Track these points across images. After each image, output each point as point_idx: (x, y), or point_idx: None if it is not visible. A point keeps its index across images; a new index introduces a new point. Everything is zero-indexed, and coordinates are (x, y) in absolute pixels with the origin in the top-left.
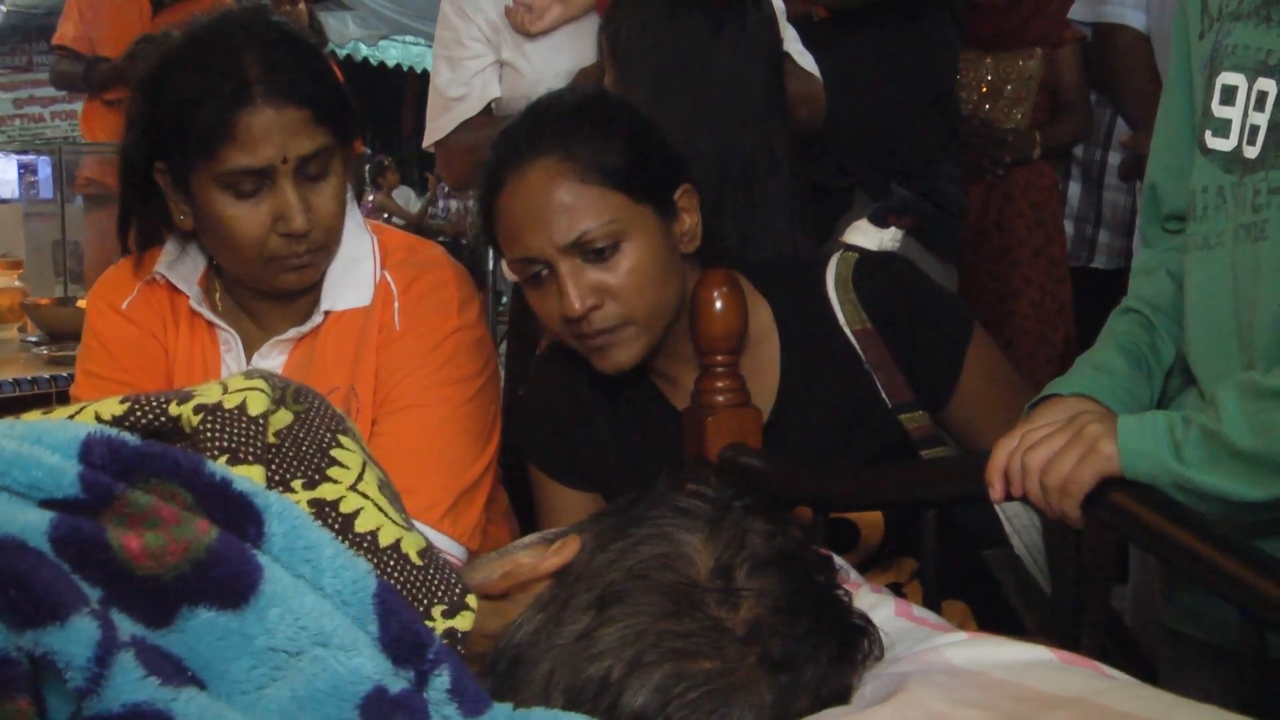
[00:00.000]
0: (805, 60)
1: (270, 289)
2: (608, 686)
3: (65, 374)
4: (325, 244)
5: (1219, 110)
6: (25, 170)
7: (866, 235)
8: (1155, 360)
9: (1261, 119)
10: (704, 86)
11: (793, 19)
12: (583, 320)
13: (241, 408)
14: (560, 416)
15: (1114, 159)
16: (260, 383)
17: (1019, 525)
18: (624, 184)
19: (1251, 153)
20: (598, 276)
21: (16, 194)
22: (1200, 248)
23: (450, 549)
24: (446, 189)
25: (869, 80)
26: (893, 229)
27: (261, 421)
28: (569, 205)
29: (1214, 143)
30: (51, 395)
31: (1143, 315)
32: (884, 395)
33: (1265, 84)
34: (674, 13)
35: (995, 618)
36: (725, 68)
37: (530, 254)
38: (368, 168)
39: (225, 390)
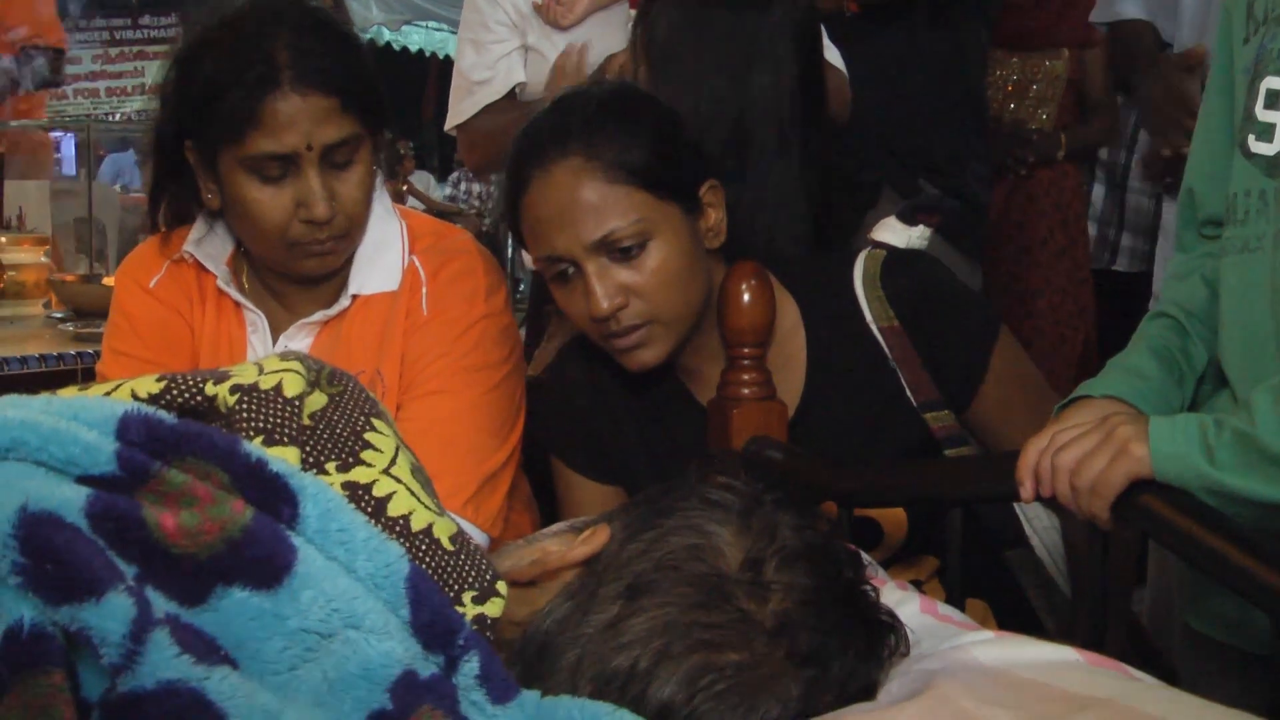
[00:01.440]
0: (831, 55)
1: (292, 274)
2: (635, 676)
3: (91, 350)
4: (348, 231)
5: (1263, 114)
6: None
7: (894, 233)
8: (1188, 365)
9: None
10: (737, 68)
11: (823, 14)
12: (610, 319)
13: (277, 389)
14: (583, 409)
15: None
16: (296, 364)
17: (1039, 526)
18: (650, 182)
19: None
20: (624, 275)
21: None
22: (1239, 251)
23: (473, 535)
24: (470, 173)
25: (899, 76)
26: (920, 227)
27: (297, 403)
28: (595, 205)
29: (1257, 147)
30: (77, 372)
31: (1175, 320)
32: (909, 393)
33: None
34: (707, 8)
35: (1015, 618)
36: (760, 50)
37: (557, 252)
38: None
39: (261, 371)
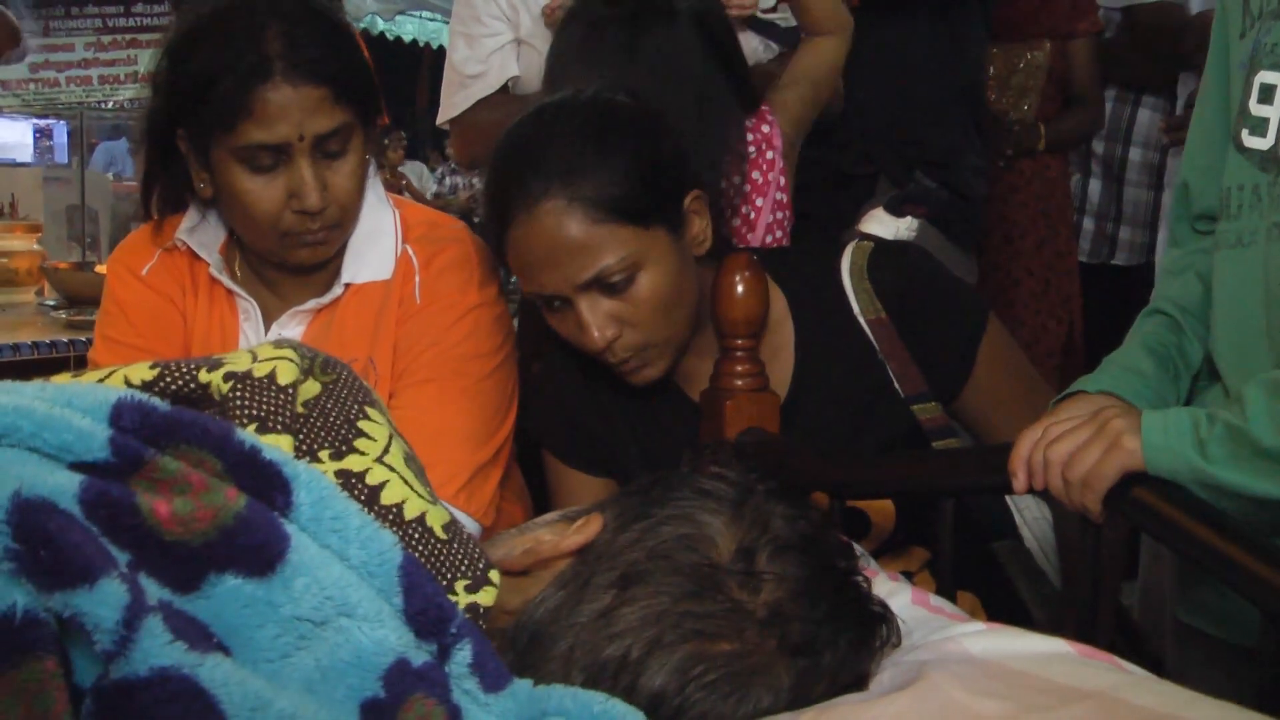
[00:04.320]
0: None
1: (284, 263)
2: (627, 666)
3: (84, 338)
4: (340, 221)
5: (1257, 109)
6: (41, 135)
7: (882, 224)
8: (1182, 361)
9: None
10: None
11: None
12: (606, 350)
13: (271, 377)
14: (575, 404)
15: (1135, 155)
16: (290, 352)
17: (1029, 518)
18: (634, 214)
19: None
20: (616, 307)
21: (33, 158)
22: (1232, 245)
23: (465, 524)
24: (454, 165)
25: (898, 69)
26: (908, 218)
27: (290, 391)
28: (582, 244)
29: (1250, 141)
30: (69, 359)
31: (1170, 317)
32: (897, 385)
33: None
34: (602, 25)
35: (1005, 610)
36: (667, 66)
37: (546, 291)
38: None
39: (255, 359)
